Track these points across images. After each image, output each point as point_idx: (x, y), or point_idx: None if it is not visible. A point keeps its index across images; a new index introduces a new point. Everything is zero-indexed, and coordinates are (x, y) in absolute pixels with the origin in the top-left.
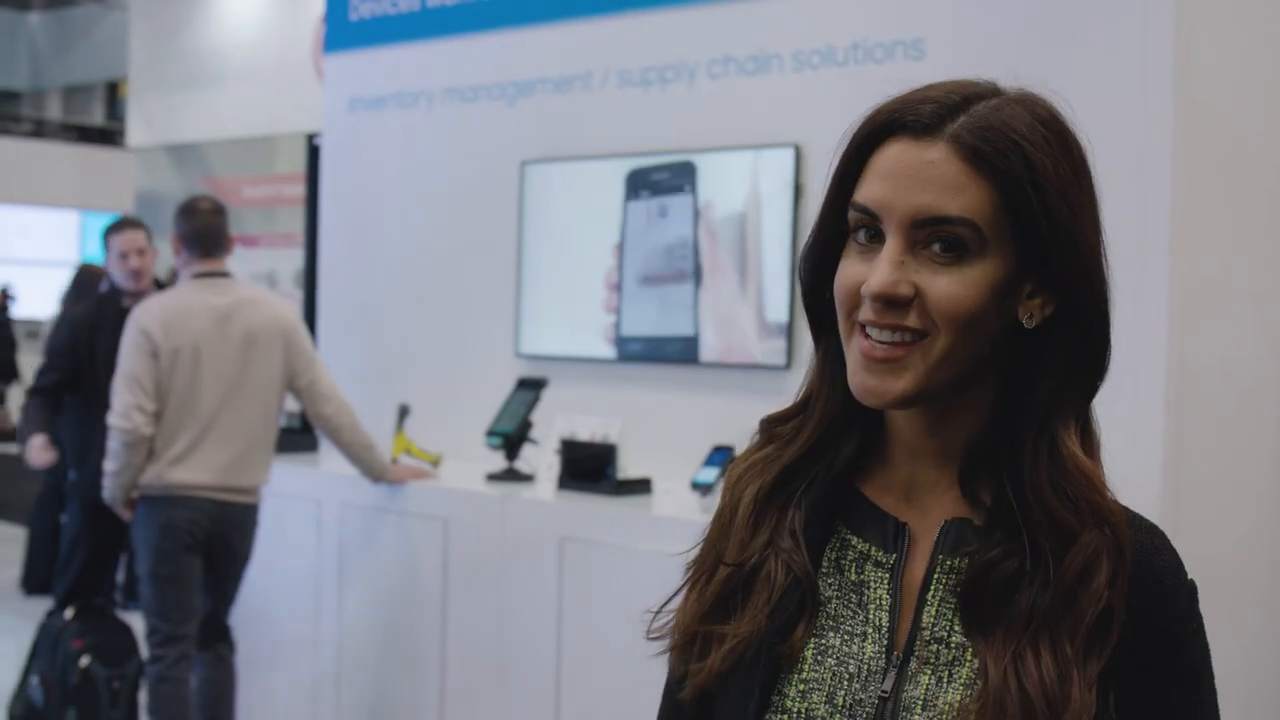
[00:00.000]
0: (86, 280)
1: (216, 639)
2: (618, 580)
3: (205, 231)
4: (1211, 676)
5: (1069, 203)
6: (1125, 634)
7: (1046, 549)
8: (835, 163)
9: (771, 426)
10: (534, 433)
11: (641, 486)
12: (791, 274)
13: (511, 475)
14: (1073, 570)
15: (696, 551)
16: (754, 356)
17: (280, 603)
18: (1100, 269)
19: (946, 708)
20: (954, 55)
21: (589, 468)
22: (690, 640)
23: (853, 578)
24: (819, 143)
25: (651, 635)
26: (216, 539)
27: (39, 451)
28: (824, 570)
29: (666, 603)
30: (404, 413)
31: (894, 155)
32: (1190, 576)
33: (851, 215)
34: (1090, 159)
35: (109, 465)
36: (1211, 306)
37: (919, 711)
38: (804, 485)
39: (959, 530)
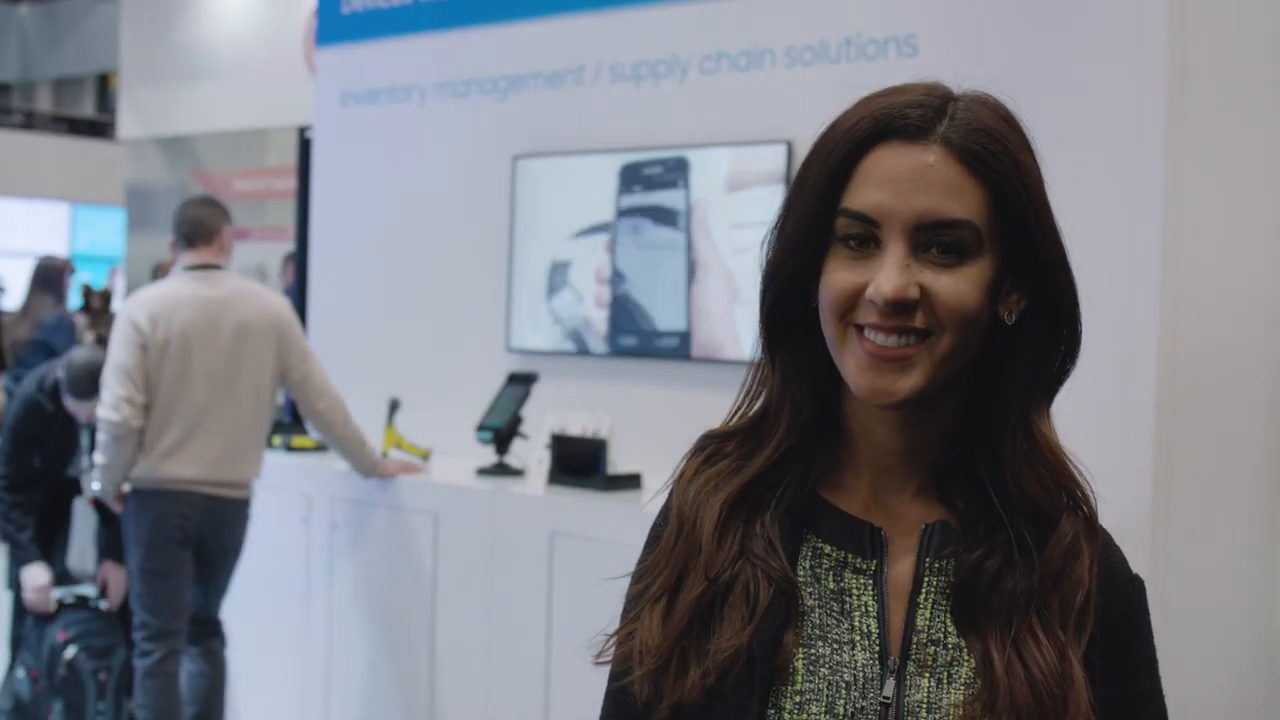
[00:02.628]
0: (49, 273)
1: (207, 633)
2: (607, 576)
3: (185, 221)
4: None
5: (1044, 198)
6: (1095, 622)
7: (1029, 537)
8: (815, 172)
9: (718, 443)
10: (524, 428)
11: (632, 482)
12: None
13: (502, 470)
14: (1056, 558)
15: (638, 574)
16: (745, 352)
17: (271, 597)
18: (1067, 257)
19: (951, 708)
20: (947, 52)
21: (579, 463)
22: (665, 662)
23: (831, 586)
24: (811, 139)
25: (600, 660)
26: (208, 533)
27: None
28: (802, 579)
29: (623, 630)
30: (394, 407)
31: (888, 160)
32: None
33: (842, 222)
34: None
35: (99, 458)
36: (1203, 304)
37: (924, 715)
38: (776, 495)
39: (941, 532)
